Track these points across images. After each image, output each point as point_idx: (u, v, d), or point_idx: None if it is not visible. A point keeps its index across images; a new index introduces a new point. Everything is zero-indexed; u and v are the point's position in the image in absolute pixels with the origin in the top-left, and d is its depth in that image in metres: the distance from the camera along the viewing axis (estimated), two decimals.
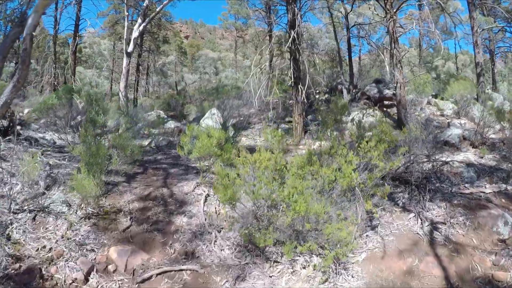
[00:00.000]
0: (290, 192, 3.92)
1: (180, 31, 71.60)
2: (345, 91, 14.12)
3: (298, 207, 3.78)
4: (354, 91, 15.06)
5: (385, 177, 6.01)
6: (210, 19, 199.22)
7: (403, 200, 5.90)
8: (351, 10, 17.37)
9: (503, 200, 5.79)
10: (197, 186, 6.32)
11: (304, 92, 10.00)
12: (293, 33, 10.68)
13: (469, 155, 7.57)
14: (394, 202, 5.90)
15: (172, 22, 31.13)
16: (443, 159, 7.08)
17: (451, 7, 24.54)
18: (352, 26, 18.43)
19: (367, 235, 5.07)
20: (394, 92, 11.15)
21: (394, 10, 11.25)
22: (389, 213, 5.61)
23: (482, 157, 7.39)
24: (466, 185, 6.35)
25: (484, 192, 6.02)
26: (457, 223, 5.14)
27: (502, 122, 8.43)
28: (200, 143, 6.33)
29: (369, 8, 16.98)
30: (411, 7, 22.94)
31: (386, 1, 10.89)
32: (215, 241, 4.84)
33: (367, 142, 4.82)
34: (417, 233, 5.04)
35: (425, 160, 6.74)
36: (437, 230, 5.06)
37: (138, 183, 6.32)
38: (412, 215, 5.43)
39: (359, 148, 4.87)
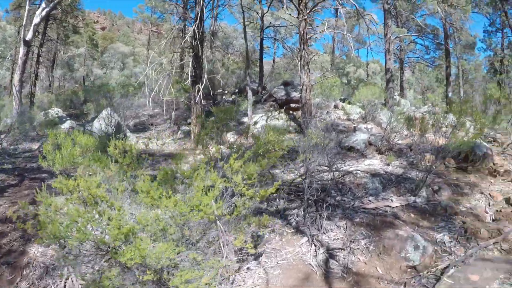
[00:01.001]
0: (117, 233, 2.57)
1: (97, 21, 66.71)
2: (249, 92, 13.24)
3: (129, 254, 2.47)
4: (262, 92, 14.33)
5: (281, 189, 5.00)
6: (130, 11, 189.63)
7: (297, 218, 4.95)
8: (267, 11, 16.73)
9: (412, 215, 5.08)
10: None
11: (200, 91, 8.74)
12: (195, 28, 9.43)
13: (375, 162, 6.93)
14: (287, 221, 4.92)
15: (82, 10, 27.99)
16: (346, 168, 6.31)
17: (366, 17, 25.20)
18: (267, 27, 17.89)
19: (248, 268, 3.99)
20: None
21: (308, 11, 10.65)
22: (279, 235, 4.61)
23: (388, 164, 6.79)
24: (371, 198, 5.59)
25: (390, 206, 5.29)
26: (358, 248, 4.26)
27: (411, 129, 8.00)
28: (63, 152, 5.26)
29: (283, 7, 16.48)
30: (328, 13, 23.12)
31: (300, 1, 10.16)
32: (67, 278, 3.90)
33: (234, 159, 3.61)
34: (310, 264, 4.00)
35: (326, 170, 5.86)
36: (334, 258, 4.11)
37: (5, 199, 5.53)
38: (305, 239, 4.43)
39: (229, 166, 3.65)
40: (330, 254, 4.15)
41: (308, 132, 6.09)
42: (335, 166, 5.96)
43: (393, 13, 24.07)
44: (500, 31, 25.13)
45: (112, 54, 37.55)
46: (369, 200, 5.51)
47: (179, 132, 12.10)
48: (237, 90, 15.52)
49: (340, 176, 6.19)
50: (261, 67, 16.30)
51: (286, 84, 13.97)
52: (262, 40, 16.91)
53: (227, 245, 3.41)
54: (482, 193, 5.92)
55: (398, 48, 24.50)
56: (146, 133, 12.83)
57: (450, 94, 18.65)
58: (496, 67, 26.07)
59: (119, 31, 66.85)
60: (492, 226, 4.78)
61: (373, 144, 7.82)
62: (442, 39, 21.84)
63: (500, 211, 5.33)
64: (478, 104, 10.58)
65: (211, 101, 14.68)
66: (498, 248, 4.15)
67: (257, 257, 4.11)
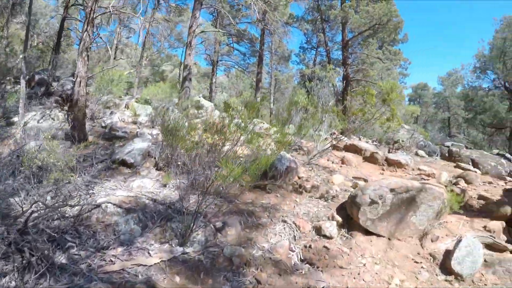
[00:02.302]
0: None
1: None
2: (22, 83, 9.64)
3: None
4: (53, 84, 10.94)
5: None
6: None
7: None
8: None
9: (178, 279, 3.15)
10: None
11: None
12: None
13: (148, 182, 4.87)
14: None
15: None
16: (98, 198, 3.98)
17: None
18: (73, 5, 14.19)
19: None
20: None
21: None
22: None
23: (165, 185, 4.74)
24: (120, 249, 3.38)
25: (145, 265, 3.13)
26: None
27: (204, 136, 6.18)
28: None
29: None
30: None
31: None
32: None
33: None
34: None
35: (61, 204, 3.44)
36: None
37: None
38: None
39: None
40: None
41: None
42: (79, 196, 3.57)
43: (214, 14, 23.34)
44: (315, 49, 27.20)
45: None
46: (113, 256, 3.29)
47: None
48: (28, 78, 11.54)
49: (86, 211, 3.84)
50: (56, 51, 12.77)
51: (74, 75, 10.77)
52: (64, 18, 13.36)
53: None
54: (284, 221, 4.44)
55: (213, 49, 23.83)
56: None
57: (258, 100, 18.43)
58: (306, 78, 28.15)
59: None
60: (299, 283, 3.20)
61: (152, 156, 5.72)
62: (258, 47, 21.94)
63: (310, 247, 3.94)
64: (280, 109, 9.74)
65: None
66: None
67: None
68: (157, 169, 5.39)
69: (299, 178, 5.74)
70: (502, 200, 6.45)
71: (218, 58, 25.06)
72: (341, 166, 7.72)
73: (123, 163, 5.49)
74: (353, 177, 6.51)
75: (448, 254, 4.05)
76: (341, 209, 4.88)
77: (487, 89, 19.27)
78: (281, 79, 31.98)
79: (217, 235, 3.88)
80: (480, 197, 6.82)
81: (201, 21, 23.22)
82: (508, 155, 11.58)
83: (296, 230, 4.25)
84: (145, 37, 24.97)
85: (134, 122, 8.54)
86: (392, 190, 4.31)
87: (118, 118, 8.61)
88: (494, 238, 4.66)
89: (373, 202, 4.23)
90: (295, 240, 4.11)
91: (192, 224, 3.70)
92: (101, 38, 23.33)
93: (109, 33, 22.44)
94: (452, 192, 5.65)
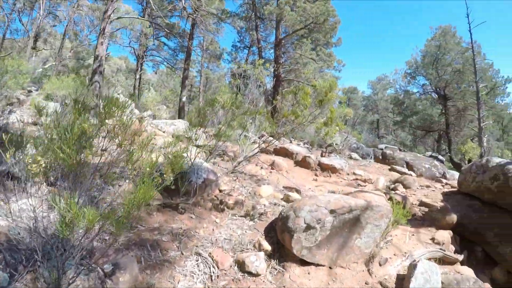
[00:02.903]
0: None
1: None
2: None
3: None
4: None
5: None
6: None
7: None
8: None
9: None
10: None
11: None
12: None
13: (31, 203, 3.53)
14: None
15: None
16: None
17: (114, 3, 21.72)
18: None
19: None
20: None
21: None
22: None
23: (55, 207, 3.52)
24: None
25: None
26: None
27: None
28: None
29: None
30: None
31: None
32: None
33: None
34: None
35: None
36: None
37: None
38: None
39: None
40: None
41: None
42: None
43: (143, 4, 21.65)
44: (248, 48, 26.39)
45: None
46: None
47: None
48: None
49: None
50: None
51: None
52: None
53: None
54: (199, 253, 3.41)
55: (139, 43, 22.13)
56: None
57: (184, 99, 17.20)
58: (236, 77, 27.35)
59: None
60: None
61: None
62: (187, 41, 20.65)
63: None
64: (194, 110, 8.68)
65: None
66: None
67: None
68: (48, 185, 4.10)
69: (220, 191, 4.74)
70: (445, 206, 6.05)
71: (146, 53, 23.38)
72: (271, 172, 6.90)
73: (9, 176, 4.12)
74: (284, 187, 5.66)
75: (402, 281, 3.45)
76: (270, 230, 3.97)
77: (418, 93, 19.95)
78: (213, 78, 30.89)
79: (105, 283, 2.76)
80: (422, 203, 6.41)
81: (126, 9, 21.47)
82: (440, 157, 11.63)
83: (213, 267, 3.23)
84: (66, 26, 22.60)
85: (35, 123, 6.95)
86: (332, 211, 3.46)
87: (16, 118, 6.98)
88: (444, 251, 4.36)
89: (309, 227, 3.34)
90: (211, 280, 3.10)
91: (61, 271, 2.55)
92: (22, 24, 20.68)
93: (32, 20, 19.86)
94: (394, 202, 5.04)
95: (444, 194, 7.24)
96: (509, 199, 5.31)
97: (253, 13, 19.84)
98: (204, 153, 5.59)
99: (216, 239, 3.71)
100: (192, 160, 4.34)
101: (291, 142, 11.76)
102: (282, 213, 3.73)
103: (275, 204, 4.71)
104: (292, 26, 16.43)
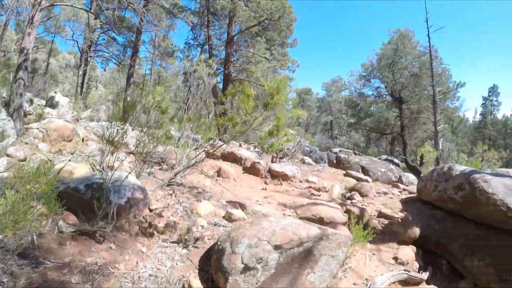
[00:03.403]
0: None
1: None
2: None
3: None
4: None
5: None
6: None
7: None
8: None
9: None
10: None
11: None
12: None
13: None
14: None
15: None
16: None
17: None
18: None
19: None
20: None
21: None
22: None
23: None
24: None
25: None
26: None
27: None
28: None
29: None
30: None
31: None
32: None
33: None
34: None
35: None
36: None
37: None
38: None
39: None
40: None
41: None
42: None
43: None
44: (201, 47, 25.40)
45: None
46: None
47: None
48: None
49: None
50: None
51: None
52: None
53: None
54: None
55: (82, 35, 20.60)
56: None
57: (129, 98, 16.14)
58: (188, 75, 26.43)
59: None
60: None
61: None
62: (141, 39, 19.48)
63: None
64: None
65: None
66: None
67: None
68: None
69: (150, 211, 3.94)
70: (406, 218, 5.63)
71: (91, 48, 21.80)
72: (216, 180, 6.21)
73: None
74: (227, 202, 4.92)
75: None
76: (206, 261, 3.25)
77: (373, 96, 19.89)
78: (165, 76, 29.58)
79: None
80: (381, 214, 5.93)
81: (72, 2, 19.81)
82: (396, 160, 11.40)
83: None
84: (8, 15, 20.54)
85: None
86: (277, 247, 2.78)
87: None
88: (409, 272, 3.97)
89: (248, 268, 2.65)
90: None
91: None
92: None
93: None
94: (352, 217, 4.51)
95: (403, 202, 6.86)
96: (476, 210, 4.95)
97: (205, 8, 18.94)
98: (137, 162, 4.78)
99: (139, 276, 2.95)
100: (111, 174, 3.53)
101: (240, 146, 11.07)
102: (218, 243, 3.02)
103: (215, 224, 3.99)
104: (245, 23, 15.72)
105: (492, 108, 45.08)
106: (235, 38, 15.89)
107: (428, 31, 12.90)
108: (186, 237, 3.55)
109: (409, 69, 16.20)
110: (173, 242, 3.52)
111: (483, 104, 45.88)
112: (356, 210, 5.54)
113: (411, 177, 10.75)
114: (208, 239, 3.63)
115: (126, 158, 5.51)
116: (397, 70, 16.61)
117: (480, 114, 46.50)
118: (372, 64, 18.41)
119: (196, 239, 3.55)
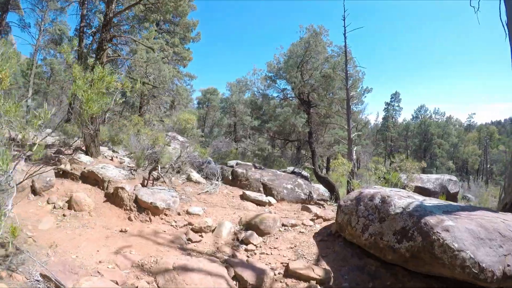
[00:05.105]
0: None
1: None
2: None
3: None
4: None
5: None
6: None
7: None
8: None
9: None
10: None
11: None
12: None
13: None
14: None
15: None
16: None
17: None
18: None
19: None
20: None
21: None
22: None
23: None
24: None
25: None
26: None
27: None
28: None
29: None
30: None
31: None
32: None
33: None
34: None
35: None
36: None
37: None
38: None
39: None
40: None
41: None
42: None
43: None
44: (92, 36, 21.96)
45: None
46: None
47: None
48: None
49: None
50: None
51: None
52: None
53: None
54: None
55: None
56: None
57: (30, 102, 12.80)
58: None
59: None
60: None
61: None
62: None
63: None
64: None
65: None
66: None
67: None
68: None
69: None
70: (327, 279, 3.82)
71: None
72: (64, 216, 3.94)
73: None
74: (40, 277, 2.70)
75: None
76: None
77: (278, 98, 18.40)
78: (59, 68, 25.19)
79: None
80: (290, 273, 3.98)
81: None
82: (304, 173, 9.91)
83: None
84: None
85: None
86: None
87: None
88: None
89: None
90: None
91: None
92: None
93: None
94: None
95: (320, 240, 5.11)
96: (432, 268, 3.31)
97: None
98: None
99: None
100: None
101: (113, 152, 8.62)
102: None
103: None
104: (128, 1, 13.02)
105: (394, 112, 48.58)
106: (114, 20, 13.04)
107: (345, 29, 11.71)
108: None
109: (320, 69, 15.03)
110: None
111: (385, 108, 49.14)
112: (249, 277, 3.59)
113: (321, 188, 9.30)
114: None
115: None
116: (307, 71, 15.36)
117: (383, 118, 49.81)
118: (279, 63, 17.01)
119: None
